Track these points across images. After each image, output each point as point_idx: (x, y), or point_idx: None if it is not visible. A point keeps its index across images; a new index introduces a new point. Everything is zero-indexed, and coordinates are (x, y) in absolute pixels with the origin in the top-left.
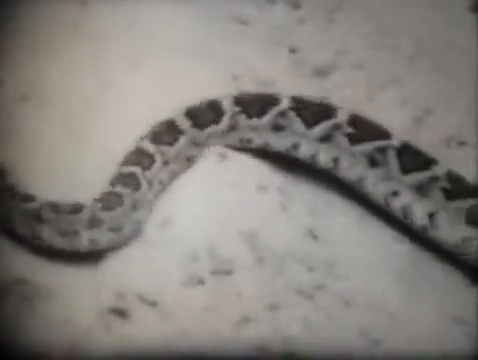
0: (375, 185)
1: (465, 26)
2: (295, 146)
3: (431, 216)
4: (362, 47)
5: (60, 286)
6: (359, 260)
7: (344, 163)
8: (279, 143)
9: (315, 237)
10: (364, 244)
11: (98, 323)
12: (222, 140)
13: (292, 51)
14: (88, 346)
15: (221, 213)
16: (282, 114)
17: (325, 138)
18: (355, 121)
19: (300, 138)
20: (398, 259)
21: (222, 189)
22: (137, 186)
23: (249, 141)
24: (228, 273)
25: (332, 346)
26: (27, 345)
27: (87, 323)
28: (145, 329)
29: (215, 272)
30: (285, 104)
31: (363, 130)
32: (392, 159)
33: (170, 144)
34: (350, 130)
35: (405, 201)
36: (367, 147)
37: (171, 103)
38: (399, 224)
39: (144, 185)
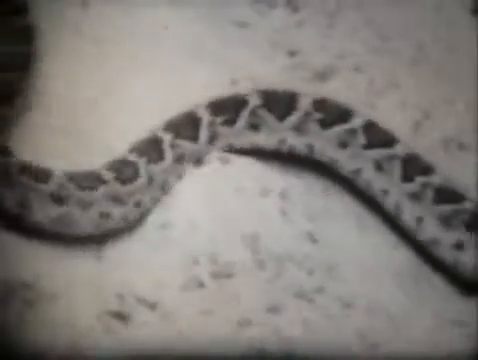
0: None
1: (465, 29)
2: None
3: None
4: (362, 50)
5: (61, 289)
6: (358, 263)
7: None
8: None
9: (315, 240)
10: (363, 248)
11: (98, 325)
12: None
13: (291, 54)
14: (88, 348)
15: (222, 216)
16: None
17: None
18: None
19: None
20: (397, 262)
21: (223, 193)
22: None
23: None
24: (228, 276)
25: (331, 349)
26: (28, 347)
27: (87, 325)
28: (145, 331)
29: (215, 275)
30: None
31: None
32: (359, 137)
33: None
34: (318, 115)
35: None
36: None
37: (171, 106)
38: (398, 228)
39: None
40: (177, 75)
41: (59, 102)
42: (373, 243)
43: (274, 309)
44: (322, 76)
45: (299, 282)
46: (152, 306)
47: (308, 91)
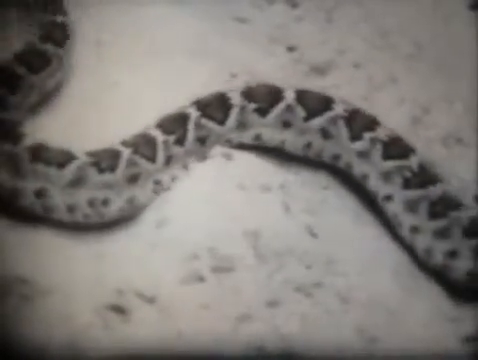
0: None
1: (464, 24)
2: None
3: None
4: (360, 46)
5: (59, 283)
6: (357, 258)
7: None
8: None
9: (314, 235)
10: (362, 242)
11: (97, 320)
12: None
13: (290, 49)
14: (87, 343)
15: (222, 211)
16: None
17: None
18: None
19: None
20: (396, 257)
21: (225, 188)
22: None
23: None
24: (228, 271)
25: (329, 343)
26: (26, 342)
27: (86, 320)
28: (144, 326)
29: (215, 270)
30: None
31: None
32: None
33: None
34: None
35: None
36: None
37: (171, 102)
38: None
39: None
40: (177, 70)
41: (59, 100)
42: (371, 237)
43: (273, 303)
44: (321, 71)
45: (298, 276)
46: (150, 300)
47: (306, 86)
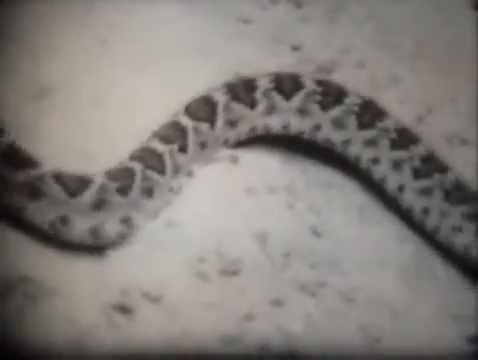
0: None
1: (467, 24)
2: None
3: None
4: (364, 46)
5: (63, 283)
6: (361, 257)
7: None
8: None
9: (318, 234)
10: (367, 241)
11: (102, 320)
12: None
13: (294, 49)
14: (92, 343)
15: (229, 211)
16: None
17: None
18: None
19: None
20: (400, 256)
21: (231, 189)
22: None
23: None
24: (234, 271)
25: (334, 342)
26: (31, 342)
27: (91, 320)
28: (149, 326)
29: (220, 269)
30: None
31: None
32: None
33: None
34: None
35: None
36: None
37: (175, 102)
38: (402, 221)
39: None
40: (181, 70)
41: (62, 99)
42: (376, 237)
43: (277, 302)
44: (325, 71)
45: (302, 276)
46: (155, 300)
47: None
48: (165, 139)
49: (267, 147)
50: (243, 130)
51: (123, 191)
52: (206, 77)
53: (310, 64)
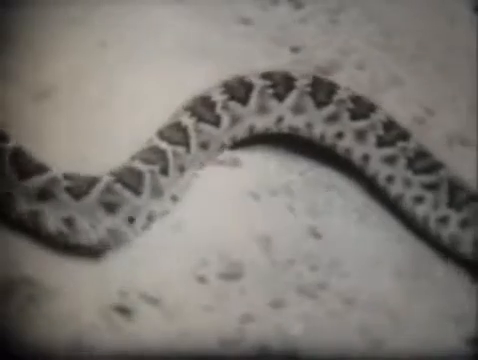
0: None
1: (467, 25)
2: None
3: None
4: (364, 47)
5: (64, 284)
6: (361, 259)
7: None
8: None
9: (318, 236)
10: (366, 243)
11: (102, 321)
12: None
13: (294, 50)
14: (92, 344)
15: (231, 215)
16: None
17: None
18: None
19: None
20: (399, 257)
21: (233, 192)
22: None
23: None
24: (235, 274)
25: (333, 344)
26: (31, 343)
27: (91, 321)
28: (148, 327)
29: (221, 271)
30: None
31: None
32: None
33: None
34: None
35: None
36: None
37: (176, 103)
38: (401, 223)
39: None
40: (181, 71)
41: (62, 101)
42: (375, 239)
43: (277, 304)
44: (325, 72)
45: (302, 278)
46: (155, 301)
47: None
48: (168, 139)
49: (266, 149)
50: (240, 130)
51: (133, 192)
52: (206, 77)
53: (310, 65)
